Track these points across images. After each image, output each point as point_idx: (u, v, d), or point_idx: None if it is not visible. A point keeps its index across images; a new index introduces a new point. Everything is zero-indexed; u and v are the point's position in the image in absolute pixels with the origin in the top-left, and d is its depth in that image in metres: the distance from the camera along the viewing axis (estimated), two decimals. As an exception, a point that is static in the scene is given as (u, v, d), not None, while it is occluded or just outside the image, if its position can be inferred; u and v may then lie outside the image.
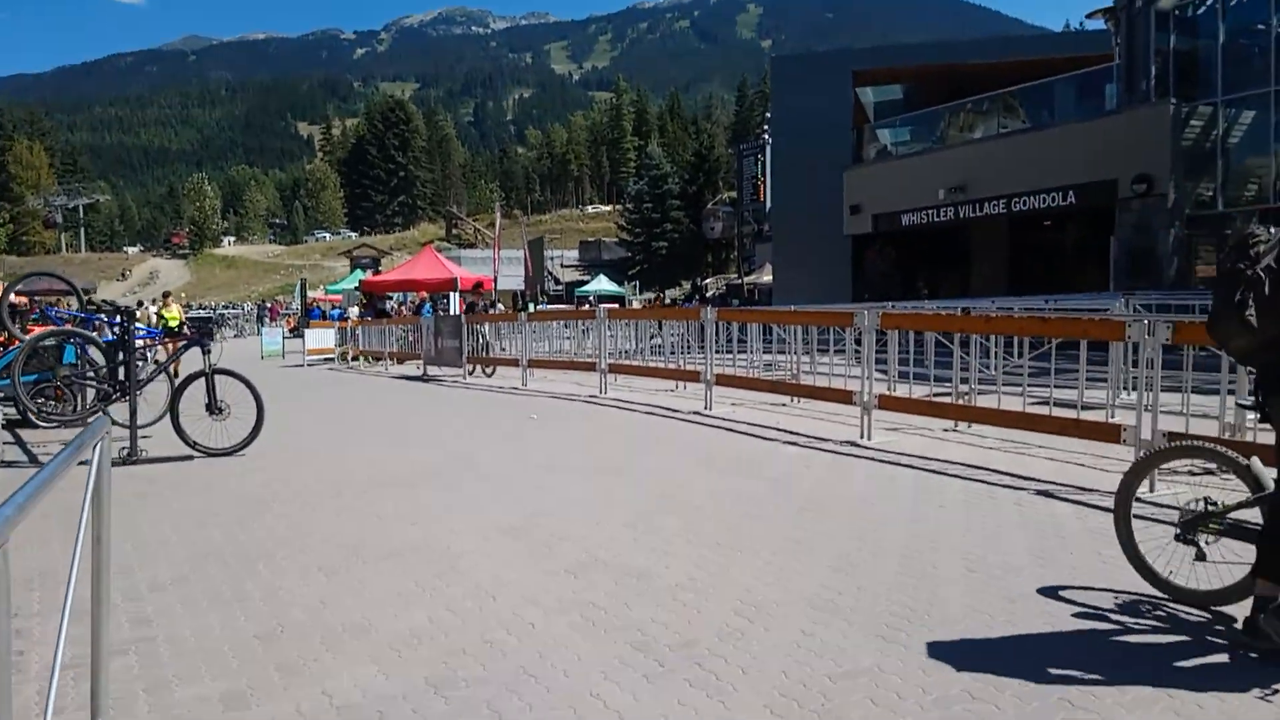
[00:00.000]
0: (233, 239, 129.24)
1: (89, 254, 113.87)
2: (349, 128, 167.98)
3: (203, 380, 7.68)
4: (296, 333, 29.57)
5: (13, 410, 7.92)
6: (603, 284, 50.97)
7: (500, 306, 32.41)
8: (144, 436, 8.34)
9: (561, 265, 74.80)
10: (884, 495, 5.84)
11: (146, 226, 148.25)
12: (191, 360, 8.24)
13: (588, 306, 42.20)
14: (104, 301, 8.95)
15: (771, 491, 6.00)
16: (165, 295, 20.65)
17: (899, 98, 31.07)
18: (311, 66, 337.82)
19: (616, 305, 36.38)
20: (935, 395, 8.59)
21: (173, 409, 7.60)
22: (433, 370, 16.77)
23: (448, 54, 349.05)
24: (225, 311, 54.49)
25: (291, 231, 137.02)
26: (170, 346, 15.70)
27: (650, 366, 11.68)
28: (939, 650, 3.35)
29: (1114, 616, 3.67)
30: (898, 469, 6.65)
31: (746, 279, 51.94)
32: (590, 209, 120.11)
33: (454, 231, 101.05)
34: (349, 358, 22.01)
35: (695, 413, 9.68)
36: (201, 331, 7.87)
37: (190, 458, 7.54)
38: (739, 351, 11.51)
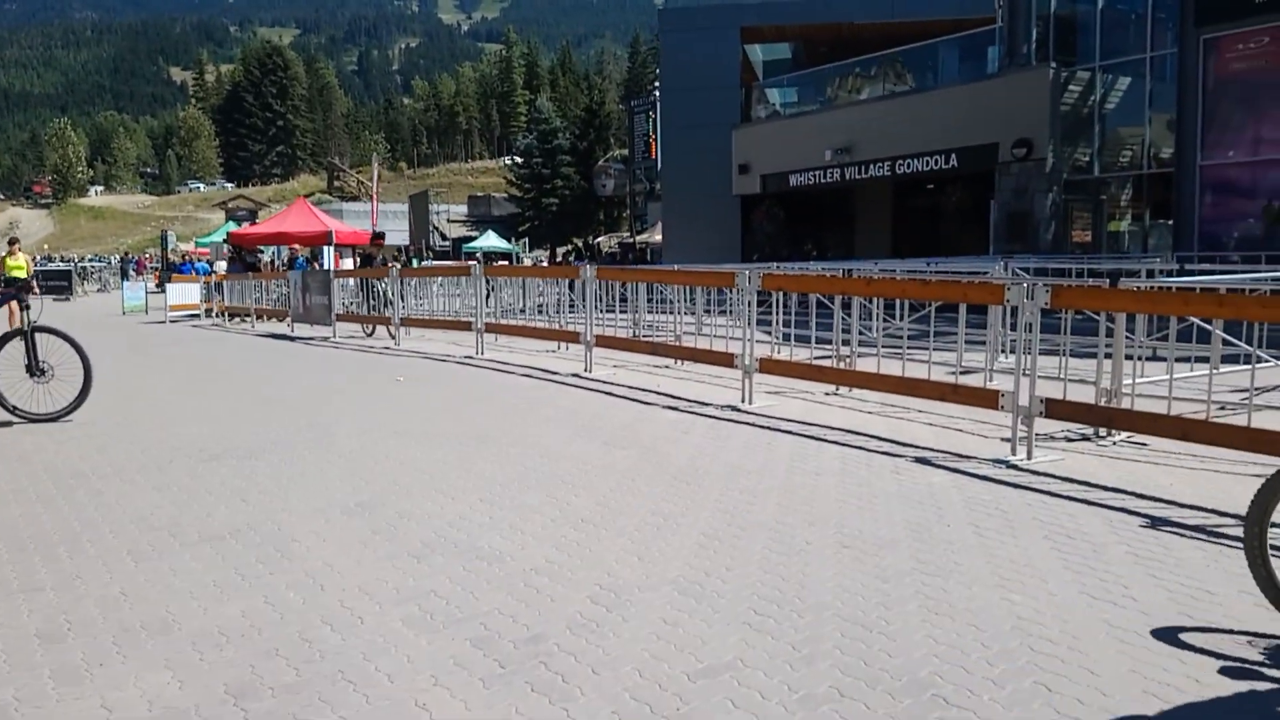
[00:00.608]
0: (100, 188, 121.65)
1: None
2: (224, 74, 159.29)
3: (21, 340, 6.85)
4: (161, 287, 27.79)
5: None
6: (491, 240, 49.75)
7: (422, 260, 31.19)
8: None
9: (449, 220, 72.86)
10: (760, 463, 5.58)
11: (7, 174, 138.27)
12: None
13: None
14: None
15: (645, 460, 5.67)
16: (11, 243, 18.37)
17: (787, 57, 31.02)
18: (184, 8, 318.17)
19: (505, 262, 35.55)
20: (817, 359, 8.42)
21: (-16, 372, 6.77)
22: (303, 329, 15.88)
23: (330, 0, 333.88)
24: (89, 264, 51.09)
25: (164, 182, 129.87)
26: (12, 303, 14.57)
27: (531, 326, 11.21)
28: (808, 640, 3.07)
29: (991, 597, 3.46)
30: (776, 435, 6.42)
31: (638, 238, 51.56)
32: (479, 163, 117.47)
33: (336, 184, 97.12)
34: (214, 314, 20.75)
35: (575, 375, 9.29)
36: (19, 286, 7.00)
37: (9, 424, 6.74)
38: (621, 312, 11.15)
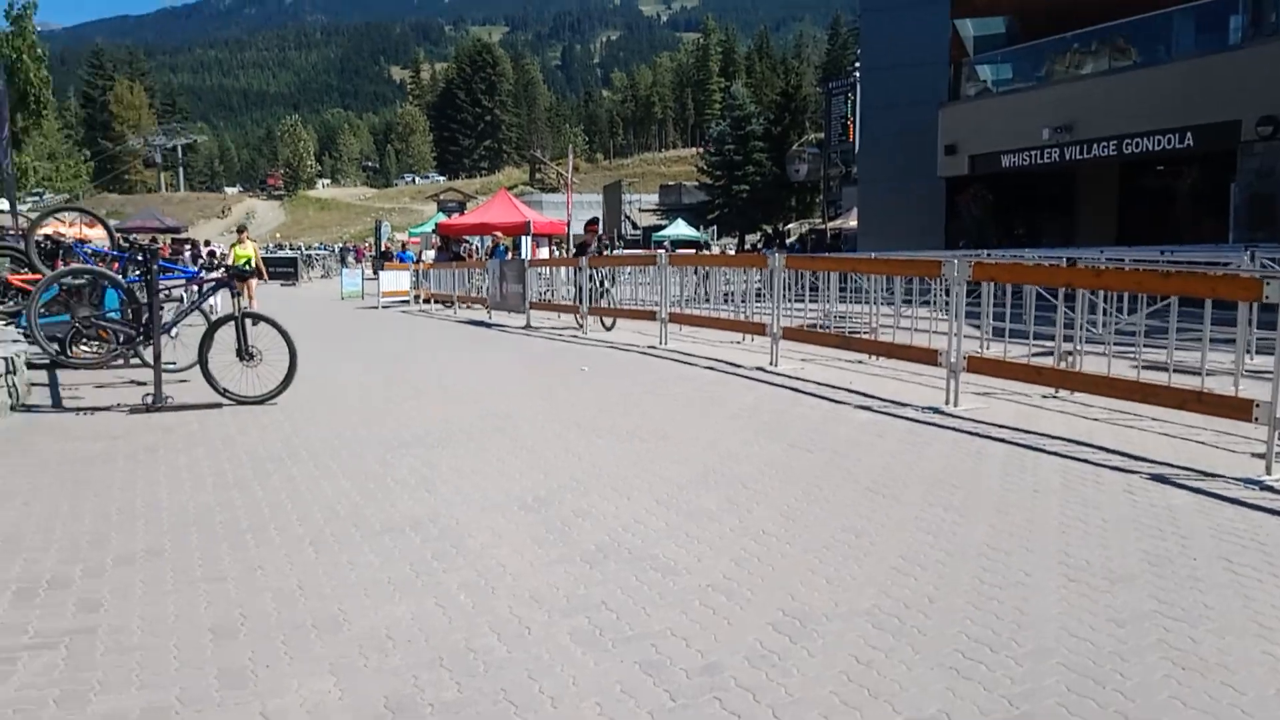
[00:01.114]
0: (327, 181, 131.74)
1: (188, 193, 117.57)
2: (438, 72, 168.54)
3: (233, 325, 7.24)
4: (375, 274, 29.56)
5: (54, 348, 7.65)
6: (680, 229, 49.80)
7: (613, 249, 31.82)
8: (182, 381, 8.06)
9: (639, 210, 73.73)
10: (968, 475, 5.05)
11: (245, 168, 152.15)
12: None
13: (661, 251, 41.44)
14: (128, 238, 8.58)
15: (834, 466, 5.25)
16: (240, 230, 19.61)
17: (1001, 31, 29.02)
18: (404, 10, 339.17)
19: (692, 250, 35.44)
20: (1034, 357, 7.65)
21: (201, 354, 7.20)
22: (500, 316, 16.33)
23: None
24: (314, 252, 55.28)
25: (384, 175, 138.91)
26: (242, 286, 15.74)
27: (715, 317, 10.91)
28: (1028, 694, 2.62)
29: (1250, 650, 2.86)
30: (985, 442, 5.83)
31: (831, 224, 50.17)
32: (671, 152, 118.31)
33: (537, 176, 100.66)
34: (421, 300, 21.78)
35: (759, 369, 8.92)
36: (231, 274, 7.40)
37: (219, 405, 7.15)
38: (811, 302, 10.65)
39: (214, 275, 7.44)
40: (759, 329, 9.65)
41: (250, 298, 15.86)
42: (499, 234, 24.39)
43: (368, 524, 4.23)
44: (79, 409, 7.07)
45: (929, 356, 7.38)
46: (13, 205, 9.83)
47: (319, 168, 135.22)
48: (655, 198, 79.46)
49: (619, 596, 3.37)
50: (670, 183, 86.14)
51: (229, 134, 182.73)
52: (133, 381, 8.24)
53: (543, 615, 3.21)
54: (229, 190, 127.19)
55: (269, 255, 39.65)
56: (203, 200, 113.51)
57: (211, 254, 25.74)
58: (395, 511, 4.43)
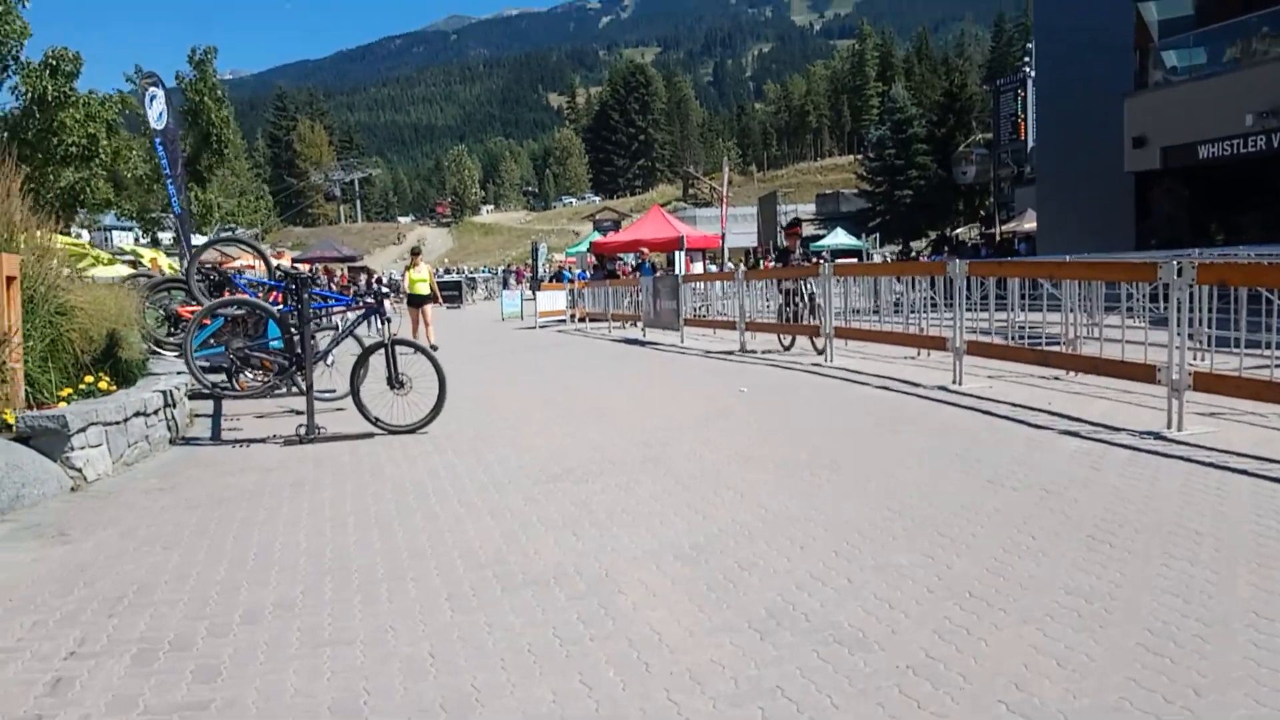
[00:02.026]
0: (491, 207, 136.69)
1: (364, 224, 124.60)
2: (593, 96, 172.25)
3: (383, 353, 7.10)
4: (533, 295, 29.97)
5: (219, 378, 7.76)
6: (839, 238, 48.32)
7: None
8: (339, 409, 8.01)
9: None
10: (1212, 518, 4.17)
11: (416, 198, 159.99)
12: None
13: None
14: (283, 268, 8.63)
15: (1044, 507, 4.46)
16: (414, 253, 18.30)
17: (1189, 13, 26.55)
18: (560, 38, 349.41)
19: (853, 260, 34.13)
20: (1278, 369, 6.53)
21: (353, 383, 7.09)
22: (653, 334, 15.98)
23: (688, 15, 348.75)
24: (477, 275, 57.12)
25: (543, 199, 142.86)
26: (416, 312, 15.73)
27: (884, 331, 10.09)
28: None
29: None
30: (1226, 475, 4.88)
31: (1003, 227, 47.50)
32: (828, 160, 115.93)
33: (690, 191, 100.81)
34: (576, 319, 21.79)
35: (941, 388, 8.08)
36: (378, 299, 7.26)
37: (370, 435, 7.00)
38: (996, 311, 9.68)
39: (368, 302, 7.30)
40: (938, 343, 8.80)
41: (427, 323, 15.99)
42: (645, 250, 24.12)
43: (510, 575, 3.81)
44: (236, 441, 7.08)
45: (1144, 373, 6.40)
46: (185, 241, 10.19)
47: (483, 194, 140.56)
48: (812, 207, 77.95)
49: (798, 680, 2.78)
50: (827, 191, 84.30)
51: (401, 167, 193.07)
52: (291, 411, 8.27)
53: (706, 704, 2.66)
54: (402, 220, 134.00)
55: (438, 280, 41.15)
56: (378, 230, 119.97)
57: (378, 281, 26.56)
58: (540, 560, 4.00)
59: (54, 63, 15.13)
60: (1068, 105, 26.29)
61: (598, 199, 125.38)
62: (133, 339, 7.39)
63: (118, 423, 6.06)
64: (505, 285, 43.08)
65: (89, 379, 7.00)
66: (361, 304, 7.28)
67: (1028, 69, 43.98)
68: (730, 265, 40.70)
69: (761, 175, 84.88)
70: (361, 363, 7.15)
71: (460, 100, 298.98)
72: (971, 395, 7.67)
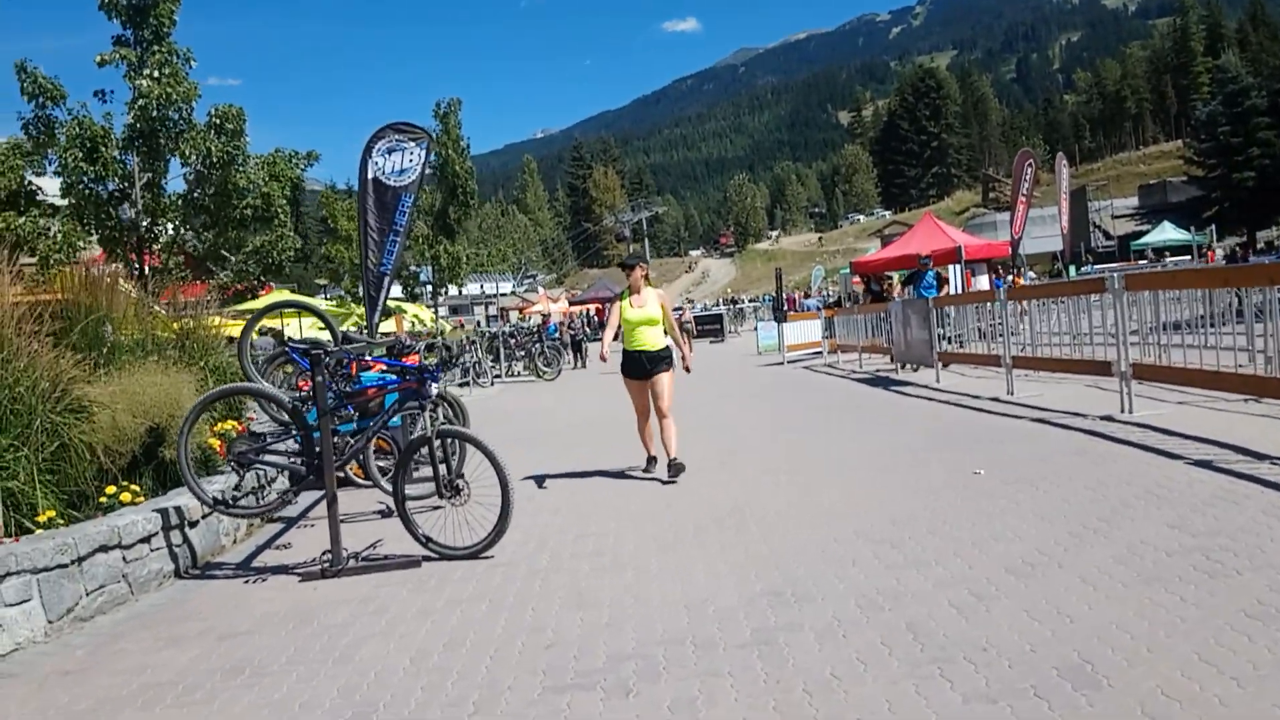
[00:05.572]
0: (777, 233, 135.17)
1: (653, 259, 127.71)
2: (880, 108, 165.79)
3: (426, 447, 5.19)
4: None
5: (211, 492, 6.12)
6: (1167, 233, 40.86)
7: (1031, 275, 26.85)
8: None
9: (1112, 217, 63.34)
10: None
11: (707, 230, 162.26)
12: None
13: (1144, 265, 33.76)
14: (308, 340, 6.90)
15: None
16: (625, 267, 7.81)
17: None
18: (850, 55, 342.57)
19: (1187, 259, 28.10)
20: None
21: (396, 489, 5.24)
22: (926, 371, 13.05)
23: (985, 14, 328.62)
24: (749, 304, 55.21)
25: (831, 219, 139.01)
26: (644, 389, 11.10)
27: (1217, 372, 6.61)
28: None
29: None
30: None
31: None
32: (1151, 148, 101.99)
33: (990, 195, 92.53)
34: (829, 351, 19.03)
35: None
36: (423, 372, 5.28)
37: (416, 562, 5.09)
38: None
39: (407, 381, 5.32)
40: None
41: (660, 406, 9.52)
42: (926, 257, 20.21)
43: None
44: (259, 569, 5.47)
45: None
46: (370, 307, 9.04)
47: (767, 221, 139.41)
48: (1134, 200, 68.22)
49: None
50: (1151, 181, 73.54)
51: (692, 202, 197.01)
52: (383, 513, 6.62)
53: None
54: (692, 253, 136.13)
55: (699, 314, 39.68)
56: (666, 265, 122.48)
57: (540, 327, 25.37)
58: None
59: (218, 121, 15.18)
60: None
61: (888, 213, 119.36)
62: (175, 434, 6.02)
63: (60, 567, 4.59)
64: (780, 314, 40.67)
65: (111, 490, 5.74)
66: (409, 381, 5.33)
67: None
68: (1032, 277, 35.49)
69: (1074, 170, 75.50)
70: (405, 463, 5.28)
71: (749, 130, 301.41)
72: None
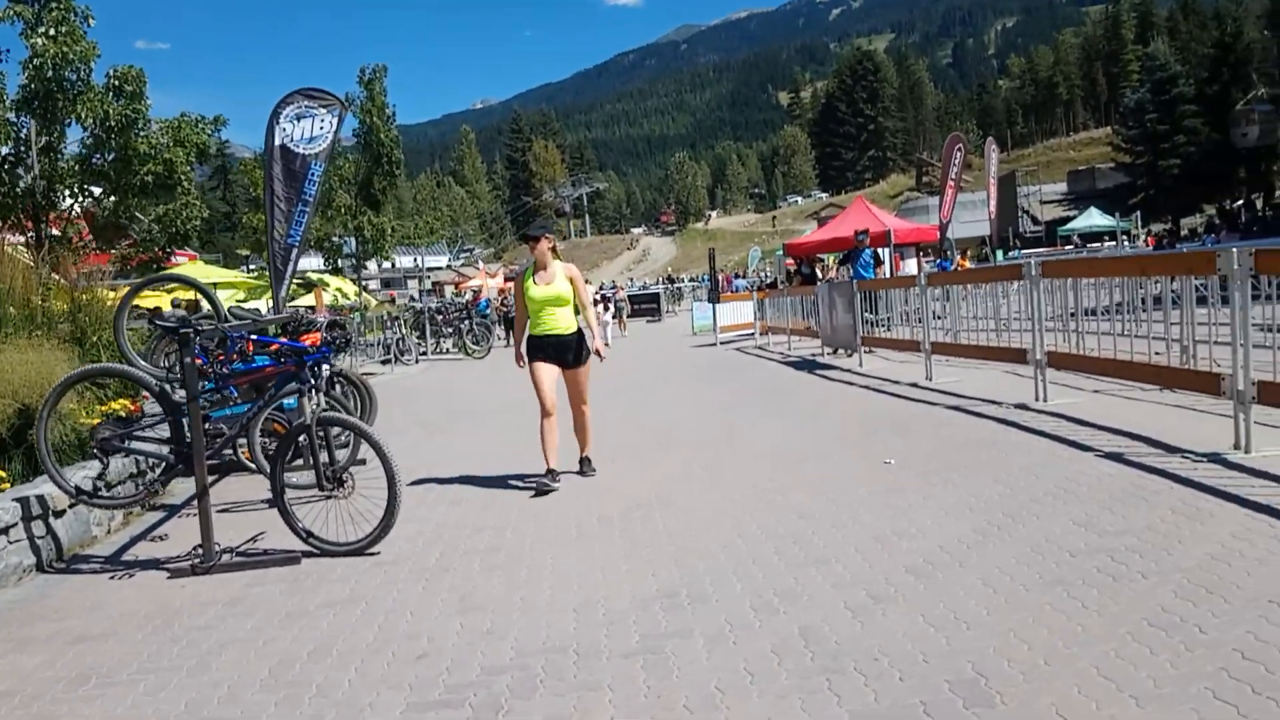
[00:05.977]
0: (716, 212, 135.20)
1: (594, 237, 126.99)
2: (819, 90, 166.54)
3: (305, 436, 4.87)
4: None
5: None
6: (1093, 219, 41.78)
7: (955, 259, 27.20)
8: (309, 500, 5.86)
9: (1040, 202, 64.69)
10: None
11: (648, 208, 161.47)
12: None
13: (1071, 250, 34.42)
14: (165, 314, 6.49)
15: None
16: (527, 239, 11.13)
17: None
18: (789, 35, 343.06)
19: (1106, 245, 28.70)
20: None
21: (273, 481, 4.90)
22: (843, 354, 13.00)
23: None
24: (688, 284, 55.18)
25: (770, 200, 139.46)
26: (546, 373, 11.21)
27: (1132, 363, 6.60)
28: None
29: None
30: None
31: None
32: (1081, 135, 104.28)
33: (924, 179, 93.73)
34: (758, 334, 18.98)
35: (1248, 469, 4.71)
36: (302, 354, 4.91)
37: (296, 559, 4.78)
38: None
39: (284, 364, 4.97)
40: (1208, 384, 5.39)
41: (580, 397, 8.89)
42: (863, 234, 19.80)
43: None
44: (129, 563, 5.11)
45: None
46: (276, 281, 8.56)
47: (708, 200, 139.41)
48: (1062, 186, 69.73)
49: None
50: (1080, 168, 75.26)
51: (634, 179, 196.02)
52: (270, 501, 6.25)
53: None
54: (634, 230, 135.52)
55: (636, 293, 39.43)
56: (606, 242, 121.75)
57: (470, 304, 25.11)
58: None
59: (117, 83, 14.39)
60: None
61: (825, 195, 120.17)
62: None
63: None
64: (714, 294, 40.61)
65: (-25, 472, 5.32)
66: (286, 364, 4.97)
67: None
68: (963, 262, 35.90)
69: (1005, 155, 76.65)
70: (284, 453, 4.94)
71: (690, 108, 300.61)
72: None
